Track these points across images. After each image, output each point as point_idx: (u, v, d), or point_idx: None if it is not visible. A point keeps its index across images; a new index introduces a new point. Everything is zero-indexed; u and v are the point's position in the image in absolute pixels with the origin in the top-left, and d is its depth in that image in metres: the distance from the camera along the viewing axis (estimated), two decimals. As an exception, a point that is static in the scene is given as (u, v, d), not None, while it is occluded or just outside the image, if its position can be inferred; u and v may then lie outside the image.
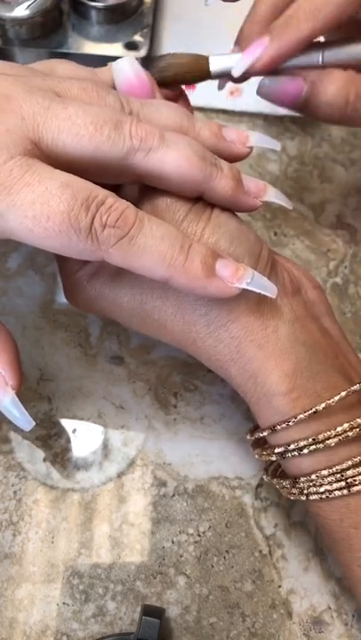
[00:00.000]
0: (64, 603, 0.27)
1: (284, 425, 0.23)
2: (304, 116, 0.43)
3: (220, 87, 0.32)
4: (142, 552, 0.29)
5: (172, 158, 0.22)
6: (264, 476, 0.26)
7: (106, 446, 0.31)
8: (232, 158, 0.26)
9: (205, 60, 0.29)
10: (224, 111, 0.43)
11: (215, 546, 0.29)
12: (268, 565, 0.29)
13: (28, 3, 0.39)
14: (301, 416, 0.23)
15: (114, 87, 0.26)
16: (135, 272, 0.21)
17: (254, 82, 0.45)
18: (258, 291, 0.22)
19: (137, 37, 0.42)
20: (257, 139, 0.26)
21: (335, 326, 0.27)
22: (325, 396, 0.23)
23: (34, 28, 0.40)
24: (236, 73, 0.28)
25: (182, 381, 0.33)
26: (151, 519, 0.29)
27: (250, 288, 0.22)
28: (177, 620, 0.27)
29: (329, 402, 0.22)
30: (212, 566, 0.28)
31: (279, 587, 0.28)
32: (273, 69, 0.27)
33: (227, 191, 0.24)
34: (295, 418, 0.23)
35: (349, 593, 0.28)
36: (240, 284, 0.21)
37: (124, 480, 0.30)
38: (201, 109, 0.43)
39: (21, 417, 0.23)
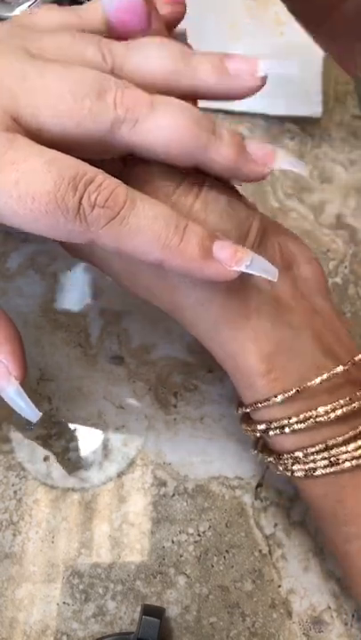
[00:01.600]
0: (64, 602, 0.27)
1: (264, 404, 0.23)
2: (304, 117, 0.43)
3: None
4: (142, 552, 0.29)
5: (163, 128, 0.20)
6: (252, 451, 0.26)
7: (106, 446, 0.31)
8: (241, 94, 0.23)
9: None
10: (224, 111, 0.43)
11: (215, 545, 0.29)
12: (267, 565, 0.29)
13: (29, 3, 0.39)
14: (280, 397, 0.22)
15: (104, 26, 0.23)
16: (128, 255, 0.20)
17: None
18: (258, 274, 0.20)
19: None
20: (267, 66, 0.23)
21: (328, 304, 0.25)
22: (308, 376, 0.22)
23: (34, 28, 0.40)
24: None
25: (182, 381, 0.33)
26: (151, 519, 0.29)
27: (249, 271, 0.20)
28: (177, 619, 0.27)
29: (310, 383, 0.22)
30: (212, 566, 0.28)
31: (279, 586, 0.28)
32: None
33: (228, 161, 0.21)
34: (274, 397, 0.22)
35: (349, 592, 0.28)
36: (239, 267, 0.20)
37: (124, 480, 0.30)
38: (201, 109, 0.43)
39: (27, 407, 0.22)
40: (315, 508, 0.24)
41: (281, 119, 0.43)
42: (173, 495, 0.30)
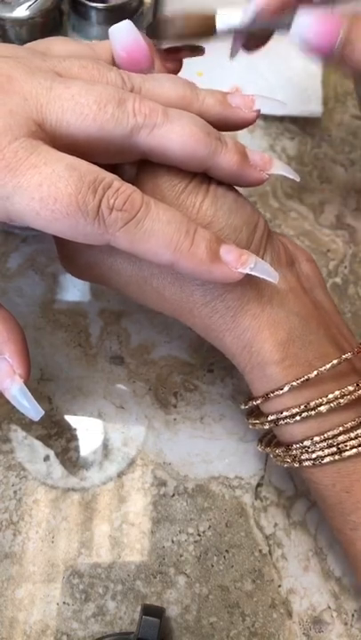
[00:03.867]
0: (64, 602, 0.27)
1: (277, 392, 0.24)
2: (304, 117, 0.43)
3: (233, 54, 0.31)
4: (142, 552, 0.29)
5: (176, 134, 0.22)
6: (258, 447, 0.27)
7: (106, 446, 0.31)
8: (240, 124, 0.25)
9: (212, 17, 0.28)
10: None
11: (215, 545, 0.29)
12: (267, 565, 0.29)
13: (29, 3, 0.39)
14: (294, 383, 0.23)
15: (112, 62, 0.26)
16: (141, 256, 0.21)
17: (254, 83, 0.45)
18: (260, 276, 0.22)
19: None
20: (262, 102, 0.26)
21: (327, 299, 0.27)
22: (317, 364, 0.23)
23: (34, 28, 0.40)
24: (246, 17, 0.28)
25: (182, 381, 0.33)
26: (151, 519, 0.29)
27: (253, 273, 0.22)
28: (177, 619, 0.27)
29: (321, 369, 0.23)
30: (212, 566, 0.28)
31: (279, 586, 0.28)
32: (285, 8, 0.26)
33: (232, 165, 0.23)
34: (288, 385, 0.23)
35: (349, 592, 0.28)
36: (243, 269, 0.22)
37: (124, 480, 0.30)
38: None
39: (30, 406, 0.23)
40: (322, 498, 0.25)
41: (281, 119, 0.43)
42: (173, 495, 0.30)
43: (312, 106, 0.43)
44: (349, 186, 0.41)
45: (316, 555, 0.29)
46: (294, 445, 0.24)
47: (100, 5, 0.41)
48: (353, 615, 0.28)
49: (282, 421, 0.24)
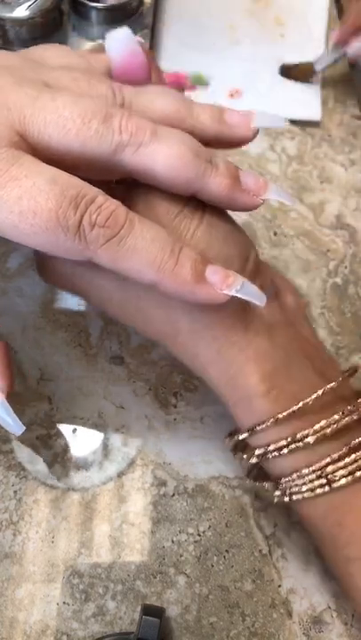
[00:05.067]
0: (64, 602, 0.27)
1: (263, 425, 0.23)
2: (303, 120, 0.43)
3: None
4: (142, 552, 0.29)
5: (163, 155, 0.21)
6: (247, 481, 0.26)
7: (106, 446, 0.31)
8: (236, 143, 0.24)
9: (311, 64, 0.43)
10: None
11: (215, 545, 0.29)
12: (268, 565, 0.29)
13: (29, 3, 0.39)
14: (280, 416, 0.23)
15: (109, 74, 0.25)
16: (123, 274, 0.21)
17: (254, 86, 0.45)
18: (247, 298, 0.21)
19: (137, 37, 0.42)
20: (261, 119, 0.24)
21: (311, 331, 0.27)
22: (303, 395, 0.23)
23: (34, 28, 0.40)
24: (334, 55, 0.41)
25: (182, 381, 0.33)
26: (151, 519, 0.29)
27: (239, 295, 0.21)
28: (177, 619, 0.27)
29: (306, 400, 0.23)
30: (212, 566, 0.28)
31: (279, 586, 0.28)
32: None
33: (222, 190, 0.22)
34: (274, 418, 0.23)
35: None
36: (229, 291, 0.21)
37: (124, 480, 0.30)
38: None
39: (12, 421, 0.22)
40: (315, 532, 0.25)
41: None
42: (173, 495, 0.30)
43: (312, 111, 0.43)
44: (349, 186, 0.41)
45: (317, 555, 0.29)
46: (283, 479, 0.24)
47: (100, 5, 0.41)
48: (353, 615, 0.28)
49: (270, 455, 0.23)
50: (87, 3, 0.41)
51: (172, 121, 0.23)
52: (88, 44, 0.41)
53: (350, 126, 0.43)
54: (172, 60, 0.45)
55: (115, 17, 0.42)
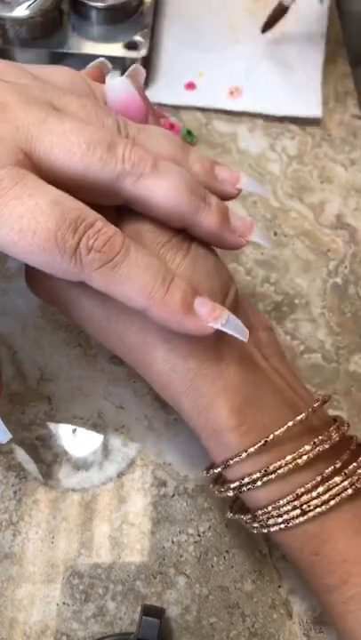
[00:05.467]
0: (64, 603, 0.27)
1: (235, 459, 0.23)
2: (304, 117, 0.43)
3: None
4: (142, 552, 0.29)
5: (161, 187, 0.22)
6: (228, 514, 0.26)
7: (106, 446, 0.31)
8: (220, 196, 0.25)
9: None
10: (224, 111, 0.43)
11: (215, 546, 0.29)
12: (268, 565, 0.29)
13: (28, 3, 0.39)
14: (251, 449, 0.23)
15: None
16: (115, 298, 0.21)
17: (254, 83, 0.45)
18: (230, 332, 0.22)
19: (137, 37, 0.42)
20: (247, 182, 0.26)
21: (284, 364, 0.27)
22: (273, 428, 0.23)
23: (34, 27, 0.40)
24: None
25: (182, 381, 0.33)
26: (151, 519, 0.29)
27: (224, 329, 0.22)
28: (177, 619, 0.27)
29: (276, 433, 0.23)
30: (212, 566, 0.28)
31: (279, 587, 0.28)
32: None
33: (212, 227, 0.24)
34: (245, 452, 0.23)
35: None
36: (215, 324, 0.21)
37: (124, 480, 0.30)
38: (201, 109, 0.43)
39: None
40: (295, 562, 0.25)
41: (281, 119, 0.43)
42: (173, 495, 0.30)
43: (312, 107, 0.43)
44: (349, 186, 0.41)
45: (317, 555, 0.29)
46: (259, 511, 0.24)
47: (100, 5, 0.41)
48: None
49: (245, 487, 0.23)
50: (87, 2, 0.41)
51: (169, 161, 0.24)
52: (88, 44, 0.41)
53: (351, 126, 0.43)
54: (172, 59, 0.45)
55: (115, 17, 0.42)
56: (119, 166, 0.21)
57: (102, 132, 0.22)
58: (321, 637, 0.27)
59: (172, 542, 0.29)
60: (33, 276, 0.25)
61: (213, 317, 0.21)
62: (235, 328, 0.22)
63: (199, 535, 0.29)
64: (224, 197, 0.25)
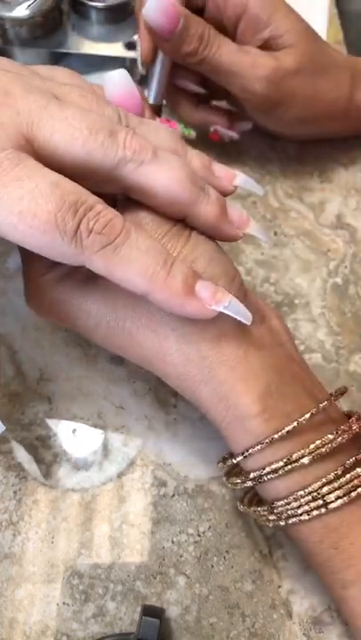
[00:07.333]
0: (64, 603, 0.27)
1: (258, 447, 0.23)
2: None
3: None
4: (142, 552, 0.29)
5: (162, 176, 0.22)
6: (240, 507, 0.26)
7: (106, 446, 0.31)
8: (217, 190, 0.25)
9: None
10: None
11: (215, 546, 0.29)
12: (268, 565, 0.29)
13: (28, 3, 0.39)
14: (275, 436, 0.23)
15: None
16: (115, 282, 0.21)
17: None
18: (234, 315, 0.22)
19: (137, 37, 0.42)
20: (243, 180, 0.27)
21: (297, 353, 0.27)
22: (295, 416, 0.23)
23: (34, 27, 0.40)
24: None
25: (182, 381, 0.33)
26: (151, 519, 0.29)
27: (226, 312, 0.22)
28: (177, 619, 0.27)
29: (300, 420, 0.23)
30: (212, 566, 0.28)
31: (279, 587, 0.28)
32: None
33: (210, 218, 0.24)
34: (269, 439, 0.23)
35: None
36: (217, 307, 0.21)
37: (124, 480, 0.30)
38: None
39: None
40: (311, 556, 0.24)
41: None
42: (173, 495, 0.30)
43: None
44: (350, 186, 0.41)
45: (317, 555, 0.29)
46: (278, 502, 0.23)
47: (99, 5, 0.41)
48: (353, 616, 0.28)
49: (265, 477, 0.23)
50: (87, 2, 0.41)
51: None
52: (88, 44, 0.41)
53: (350, 126, 0.43)
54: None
55: (114, 16, 0.42)
56: (120, 153, 0.21)
57: (103, 119, 0.22)
58: (321, 637, 0.27)
59: (172, 542, 0.29)
60: (33, 292, 0.25)
61: (216, 300, 0.21)
62: (238, 311, 0.22)
63: (199, 535, 0.29)
64: (220, 193, 0.25)
